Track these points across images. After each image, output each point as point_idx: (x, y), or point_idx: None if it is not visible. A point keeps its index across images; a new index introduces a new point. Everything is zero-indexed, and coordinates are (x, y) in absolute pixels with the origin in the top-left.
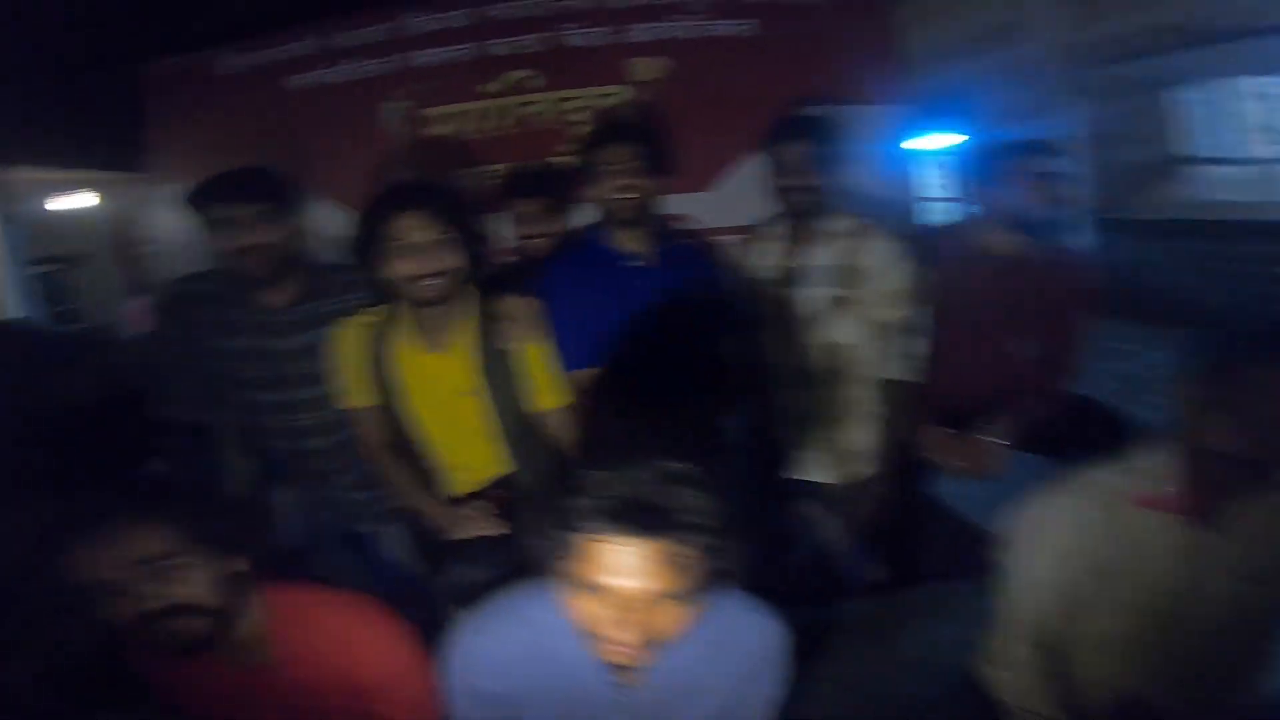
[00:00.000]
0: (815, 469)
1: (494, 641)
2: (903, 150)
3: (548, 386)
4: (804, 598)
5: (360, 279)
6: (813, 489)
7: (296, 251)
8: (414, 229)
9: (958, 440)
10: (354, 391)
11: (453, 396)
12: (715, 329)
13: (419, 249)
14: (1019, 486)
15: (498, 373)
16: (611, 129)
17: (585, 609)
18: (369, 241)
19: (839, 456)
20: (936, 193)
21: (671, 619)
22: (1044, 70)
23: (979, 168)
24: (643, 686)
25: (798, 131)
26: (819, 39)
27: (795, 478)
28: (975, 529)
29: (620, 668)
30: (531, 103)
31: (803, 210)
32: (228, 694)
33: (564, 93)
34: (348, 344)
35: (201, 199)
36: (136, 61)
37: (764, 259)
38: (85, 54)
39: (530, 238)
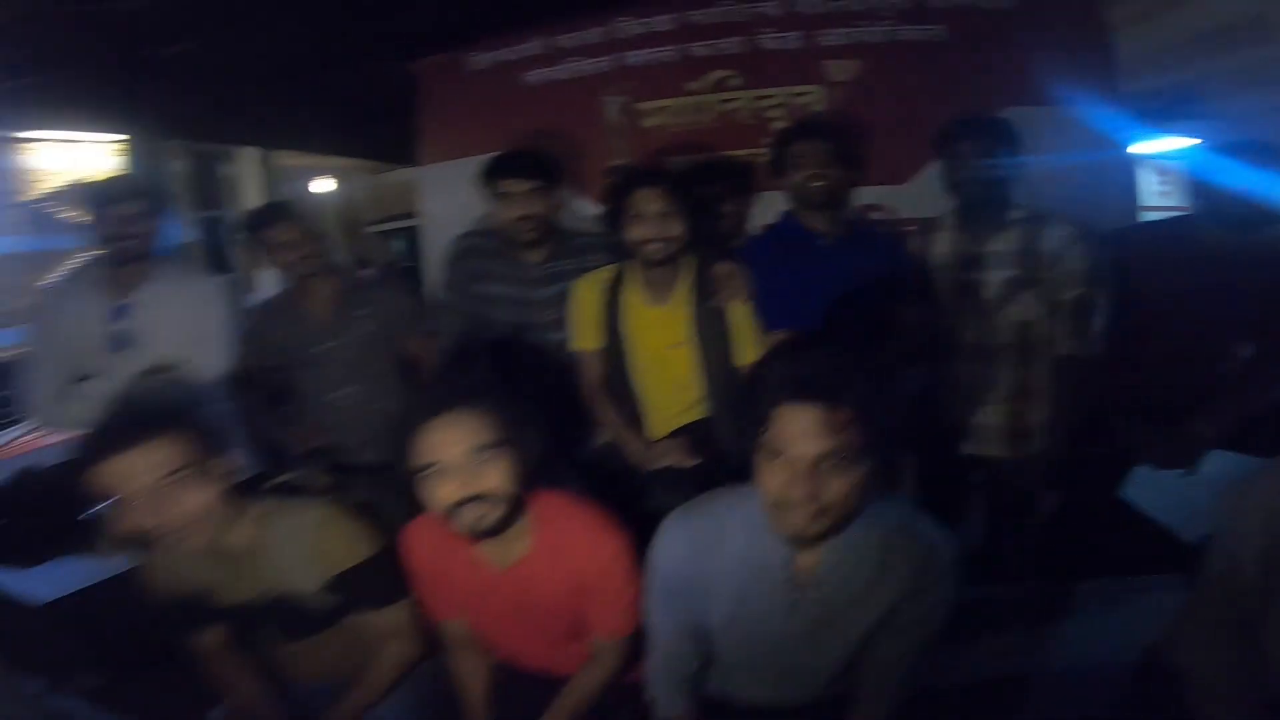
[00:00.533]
0: (988, 443)
1: (685, 536)
2: (1120, 153)
3: (749, 343)
4: (968, 575)
5: (599, 243)
6: (985, 463)
7: (556, 220)
8: (649, 201)
9: (1160, 432)
10: (585, 336)
11: (666, 347)
12: (895, 303)
13: (651, 218)
14: (1217, 484)
15: (707, 328)
16: (804, 126)
17: (771, 478)
18: (614, 211)
19: (1011, 431)
20: (1156, 198)
21: (843, 488)
22: None
23: (1213, 168)
24: (815, 585)
25: (973, 132)
26: (1010, 43)
27: (968, 452)
28: (1158, 526)
29: (799, 539)
30: (732, 99)
31: (980, 203)
32: (475, 590)
33: (761, 91)
34: (586, 296)
35: (491, 174)
36: (401, 59)
37: (945, 245)
38: (352, 50)
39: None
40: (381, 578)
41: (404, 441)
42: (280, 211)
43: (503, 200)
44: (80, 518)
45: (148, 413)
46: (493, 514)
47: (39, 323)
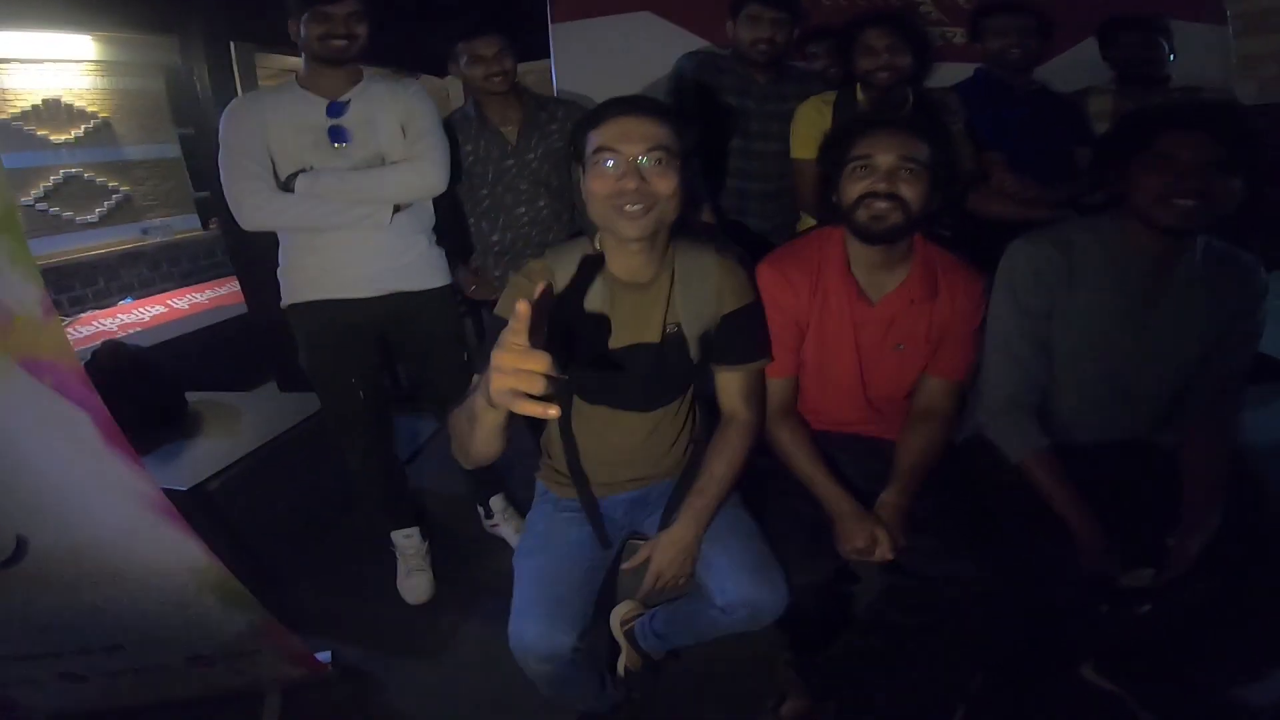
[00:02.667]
0: None
1: (1042, 255)
2: None
3: (969, 157)
4: None
5: (817, 74)
6: None
7: (786, 48)
8: (880, 37)
9: None
10: (807, 146)
11: None
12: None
13: (883, 52)
14: None
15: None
16: (1006, 3)
17: (1158, 179)
18: (846, 45)
19: None
20: None
21: (1220, 188)
22: None
23: None
24: (1166, 300)
25: (1134, 20)
26: None
27: None
28: None
29: (1177, 227)
30: None
31: (1143, 75)
32: (841, 324)
33: None
34: (811, 113)
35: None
36: None
37: (1103, 104)
38: None
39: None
40: (760, 325)
41: (847, 138)
42: (488, 23)
43: (750, 22)
44: (183, 400)
45: (657, 104)
46: (895, 216)
47: (235, 128)
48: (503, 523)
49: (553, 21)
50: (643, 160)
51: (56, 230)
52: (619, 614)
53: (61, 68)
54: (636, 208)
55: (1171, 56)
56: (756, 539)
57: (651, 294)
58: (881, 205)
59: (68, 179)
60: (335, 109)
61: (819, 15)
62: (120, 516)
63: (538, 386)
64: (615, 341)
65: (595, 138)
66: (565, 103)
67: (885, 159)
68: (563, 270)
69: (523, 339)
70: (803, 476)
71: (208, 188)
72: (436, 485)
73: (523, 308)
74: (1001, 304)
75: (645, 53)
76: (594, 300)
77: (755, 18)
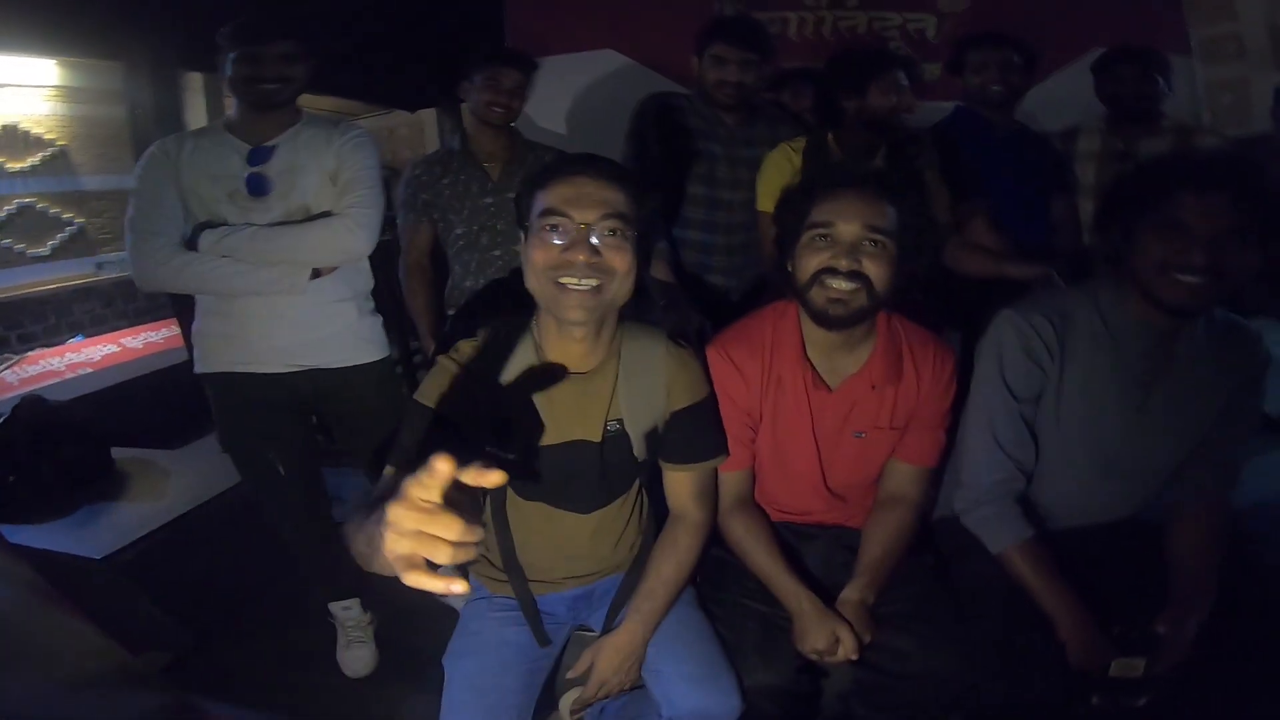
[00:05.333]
0: None
1: (1028, 329)
2: None
3: (944, 208)
4: None
5: (787, 115)
6: None
7: (755, 90)
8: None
9: None
10: (771, 199)
11: None
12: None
13: (894, 93)
14: None
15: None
16: (988, 36)
17: (1166, 246)
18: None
19: None
20: None
21: (1239, 260)
22: None
23: None
24: (1167, 376)
25: (1135, 55)
26: None
27: None
28: None
29: (1182, 307)
30: (848, 19)
31: (1137, 112)
32: (798, 411)
33: (876, 13)
34: (776, 162)
35: (710, 36)
36: None
37: (1091, 144)
38: None
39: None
40: (713, 422)
41: (805, 199)
42: (515, 57)
43: (716, 63)
44: (108, 459)
45: (612, 163)
46: (858, 299)
47: (149, 175)
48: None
49: None
50: (596, 229)
51: (6, 264)
52: (568, 700)
53: (20, 93)
54: (585, 284)
55: (1167, 93)
56: (706, 641)
57: (594, 386)
58: (842, 286)
59: (21, 209)
60: (258, 155)
61: (790, 54)
62: (6, 604)
63: (444, 556)
64: (551, 437)
65: (543, 199)
66: (554, 150)
67: (848, 229)
68: (496, 351)
69: (435, 496)
70: (759, 572)
71: None
72: None
73: (444, 467)
74: (986, 383)
75: (609, 90)
76: (527, 389)
77: (721, 58)
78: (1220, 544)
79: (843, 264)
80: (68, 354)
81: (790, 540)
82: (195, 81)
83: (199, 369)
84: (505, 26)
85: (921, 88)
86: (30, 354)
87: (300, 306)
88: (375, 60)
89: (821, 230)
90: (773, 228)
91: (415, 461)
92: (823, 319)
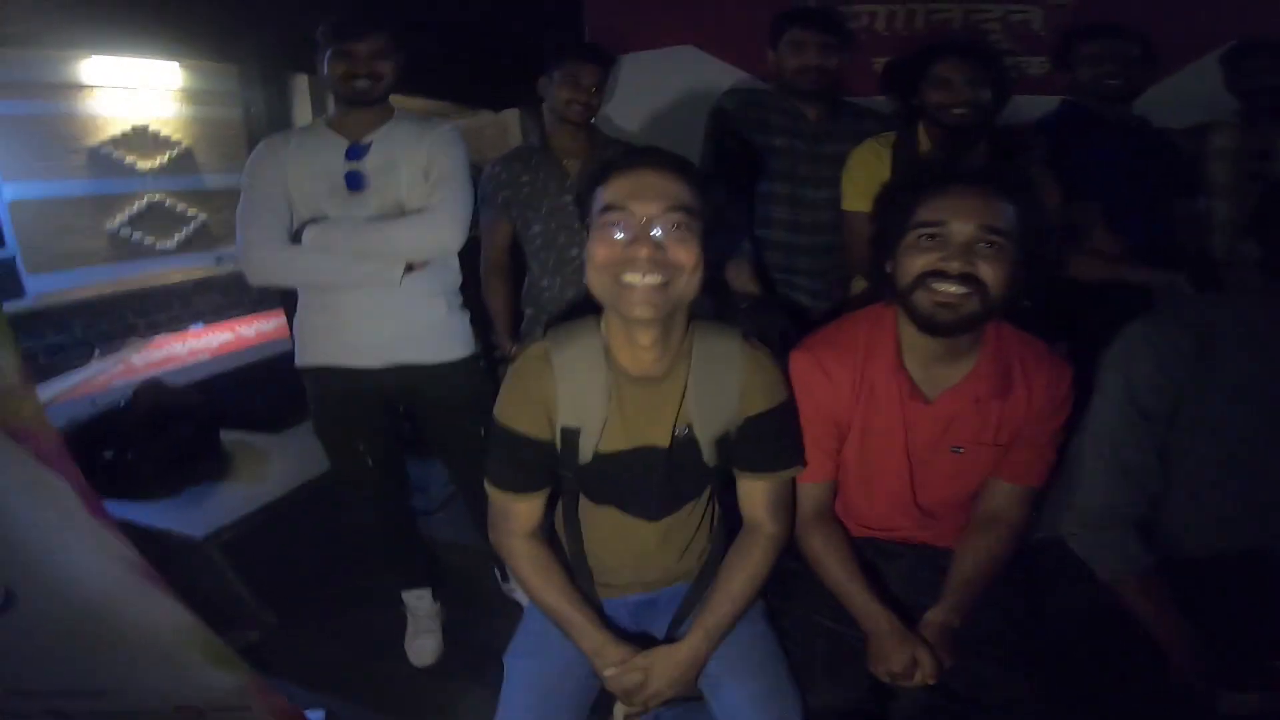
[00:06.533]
0: None
1: (1168, 345)
2: None
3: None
4: None
5: (872, 110)
6: None
7: (837, 76)
8: (958, 70)
9: None
10: (858, 198)
11: None
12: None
13: (962, 86)
14: None
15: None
16: (1103, 27)
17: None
18: (915, 78)
19: None
20: None
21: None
22: None
23: None
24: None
25: (1268, 47)
26: None
27: None
28: None
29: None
30: (944, 10)
31: (1274, 109)
32: (889, 424)
33: (973, 4)
34: (863, 159)
35: (788, 21)
36: None
37: (1225, 141)
38: None
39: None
40: (791, 429)
41: (911, 196)
42: (592, 52)
43: (794, 49)
44: (217, 438)
45: (678, 159)
46: (970, 304)
47: (257, 172)
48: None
49: None
50: (659, 223)
51: (136, 256)
52: (622, 709)
53: (149, 95)
54: (650, 280)
55: None
56: (772, 658)
57: (663, 391)
58: (953, 290)
59: (151, 206)
60: (355, 152)
61: (881, 48)
62: (104, 580)
63: None
64: (619, 443)
65: (603, 194)
66: (629, 145)
67: (962, 229)
68: (563, 355)
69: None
70: (835, 588)
71: None
72: (454, 537)
73: None
74: (1111, 400)
75: (689, 87)
76: (594, 394)
77: (799, 43)
78: None
79: (954, 266)
80: (189, 340)
81: (873, 557)
82: (302, 83)
83: (299, 362)
84: (584, 23)
85: (1026, 80)
86: (155, 339)
87: (394, 300)
88: (459, 61)
89: (931, 229)
90: (868, 226)
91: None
92: (928, 324)
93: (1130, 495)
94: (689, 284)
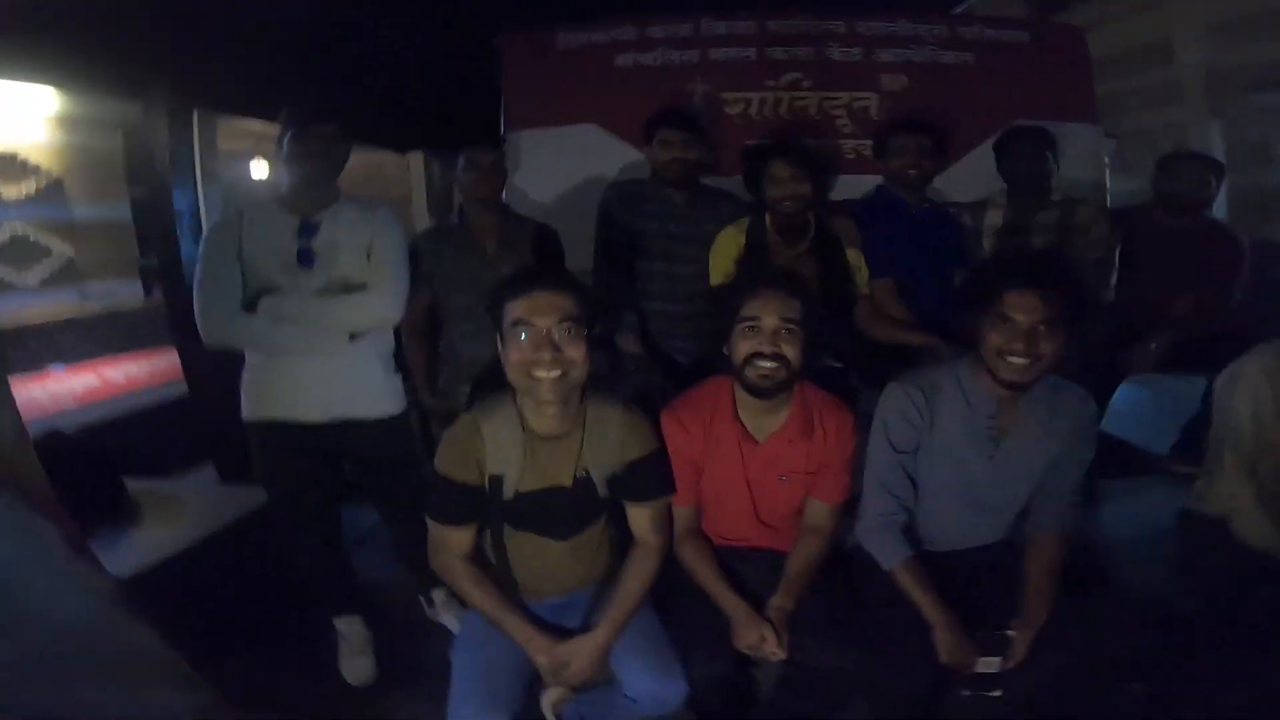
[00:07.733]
0: None
1: (912, 398)
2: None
3: (863, 282)
4: None
5: (725, 195)
6: None
7: (699, 169)
8: (783, 168)
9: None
10: (720, 276)
11: None
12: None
13: (787, 182)
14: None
15: (833, 265)
16: (906, 123)
17: (998, 337)
18: (755, 175)
19: None
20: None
21: (1049, 347)
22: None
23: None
24: (1009, 435)
25: (1027, 134)
26: (1023, 68)
27: None
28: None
29: (1013, 384)
30: (802, 99)
31: (1031, 187)
32: (733, 461)
33: (827, 94)
34: (723, 245)
35: (654, 124)
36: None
37: (997, 219)
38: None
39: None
40: (663, 467)
41: (736, 297)
42: (491, 139)
43: (661, 146)
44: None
45: (563, 273)
46: (780, 374)
47: (216, 246)
48: (444, 611)
49: (507, 130)
50: (555, 330)
51: None
52: (550, 698)
53: (19, 120)
54: (552, 374)
55: (1056, 168)
56: (660, 639)
57: (565, 445)
58: (768, 365)
59: (13, 239)
60: (306, 230)
61: (752, 132)
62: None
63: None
64: (533, 484)
65: (511, 310)
66: (536, 222)
67: (769, 321)
68: (490, 423)
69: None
70: (704, 586)
71: (154, 254)
72: (380, 574)
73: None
74: (877, 440)
75: (592, 163)
76: (513, 450)
77: (667, 141)
78: (1056, 568)
79: (767, 349)
80: (48, 383)
81: (730, 561)
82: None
83: (246, 416)
84: (501, 96)
85: (867, 162)
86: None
87: (337, 363)
88: (373, 104)
89: (750, 323)
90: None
91: (457, 515)
92: (754, 390)
93: (892, 505)
94: (580, 371)
